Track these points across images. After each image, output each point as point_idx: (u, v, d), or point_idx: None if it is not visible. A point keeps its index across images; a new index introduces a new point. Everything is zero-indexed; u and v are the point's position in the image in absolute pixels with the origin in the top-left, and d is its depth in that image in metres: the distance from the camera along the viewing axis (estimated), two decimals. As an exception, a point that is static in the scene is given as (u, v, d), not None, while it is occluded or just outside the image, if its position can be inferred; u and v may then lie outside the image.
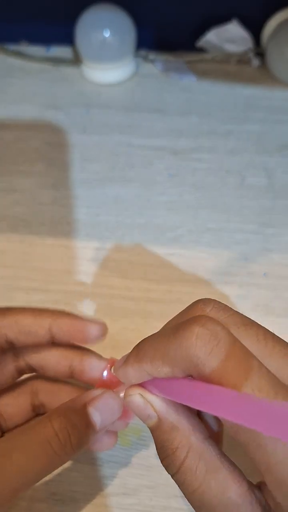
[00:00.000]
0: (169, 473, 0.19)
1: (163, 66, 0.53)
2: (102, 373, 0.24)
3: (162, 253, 0.38)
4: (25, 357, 0.25)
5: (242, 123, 0.47)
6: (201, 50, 0.55)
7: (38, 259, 0.37)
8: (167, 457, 0.19)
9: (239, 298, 0.35)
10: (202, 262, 0.37)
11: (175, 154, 0.45)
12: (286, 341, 0.20)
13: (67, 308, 0.25)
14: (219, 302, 0.20)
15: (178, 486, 0.19)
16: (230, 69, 0.53)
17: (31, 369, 0.25)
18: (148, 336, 0.20)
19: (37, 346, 0.25)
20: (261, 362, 0.17)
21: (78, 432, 0.21)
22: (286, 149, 0.45)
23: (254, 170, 0.43)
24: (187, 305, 0.21)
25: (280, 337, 0.20)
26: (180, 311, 0.21)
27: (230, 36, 0.53)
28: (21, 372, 0.26)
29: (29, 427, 0.20)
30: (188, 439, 0.18)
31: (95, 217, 0.40)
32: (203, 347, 0.17)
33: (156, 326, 0.22)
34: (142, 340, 0.20)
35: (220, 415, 0.16)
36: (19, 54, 0.55)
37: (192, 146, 0.45)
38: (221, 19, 0.53)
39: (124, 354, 0.21)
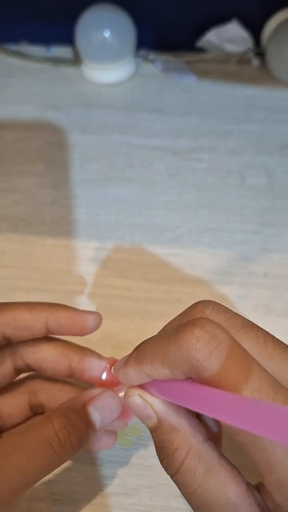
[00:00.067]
0: (168, 473, 0.19)
1: (163, 66, 0.53)
2: (102, 373, 0.24)
3: (162, 253, 0.38)
4: (23, 356, 0.25)
5: (242, 123, 0.47)
6: (201, 50, 0.55)
7: (38, 259, 0.37)
8: (166, 458, 0.19)
9: (239, 298, 0.35)
10: (202, 262, 0.37)
11: (175, 154, 0.45)
12: (287, 341, 0.20)
13: (67, 308, 0.25)
14: (219, 304, 0.20)
15: (177, 486, 0.19)
16: (230, 69, 0.53)
17: (29, 368, 0.25)
18: (148, 338, 0.20)
19: (36, 345, 0.25)
20: (260, 364, 0.17)
21: (78, 431, 0.21)
22: (286, 149, 0.45)
23: (254, 170, 0.43)
24: (187, 305, 0.21)
25: (281, 337, 0.20)
26: (180, 312, 0.21)
27: (230, 36, 0.53)
28: (19, 371, 0.26)
29: (30, 427, 0.20)
30: (188, 440, 0.19)
31: (95, 217, 0.40)
32: (202, 350, 0.17)
33: (156, 326, 0.22)
34: (142, 342, 0.20)
35: (219, 418, 0.16)
36: (19, 54, 0.55)
37: (192, 146, 0.45)
38: (221, 19, 0.53)
39: (124, 355, 0.21)
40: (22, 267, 0.37)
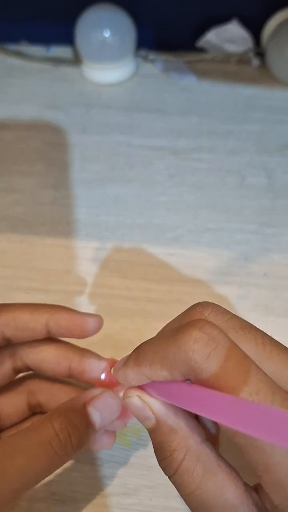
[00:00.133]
0: (166, 474, 0.19)
1: (163, 66, 0.53)
2: (102, 374, 0.24)
3: (162, 253, 0.38)
4: (23, 357, 0.25)
5: (242, 123, 0.47)
6: (201, 50, 0.55)
7: (38, 259, 0.37)
8: (164, 459, 0.19)
9: (239, 298, 0.35)
10: (202, 262, 0.37)
11: (175, 154, 0.45)
12: (287, 341, 0.20)
13: (67, 308, 0.25)
14: (218, 306, 0.20)
15: (176, 487, 0.19)
16: (230, 69, 0.53)
17: (28, 368, 0.25)
18: (148, 340, 0.20)
19: (36, 346, 0.25)
20: (258, 366, 0.17)
21: (79, 432, 0.21)
22: (286, 149, 0.45)
23: (254, 170, 0.43)
24: (187, 305, 0.21)
25: (281, 337, 0.20)
26: (180, 312, 0.21)
27: (230, 36, 0.53)
28: (18, 371, 0.26)
29: (30, 428, 0.20)
30: (186, 442, 0.19)
31: (95, 217, 0.40)
32: (200, 351, 0.17)
33: (156, 326, 0.22)
34: (141, 344, 0.20)
35: (217, 420, 0.16)
36: (19, 54, 0.55)
37: (192, 146, 0.45)
38: (221, 19, 0.53)
39: (124, 355, 0.21)
40: (22, 267, 0.37)
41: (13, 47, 0.56)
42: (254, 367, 0.17)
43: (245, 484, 0.18)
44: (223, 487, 0.18)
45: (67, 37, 0.54)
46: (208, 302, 0.20)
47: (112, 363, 0.24)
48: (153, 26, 0.54)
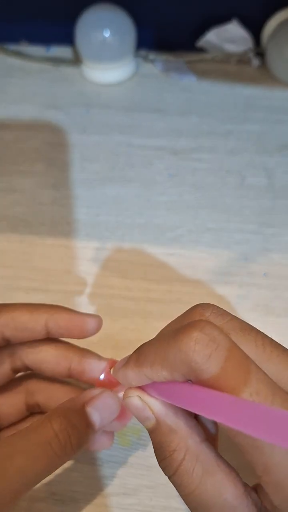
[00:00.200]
0: (166, 474, 0.19)
1: (163, 66, 0.53)
2: (102, 374, 0.24)
3: (162, 253, 0.38)
4: (22, 357, 0.25)
5: (242, 123, 0.47)
6: (201, 50, 0.55)
7: (38, 259, 0.37)
8: (164, 459, 0.19)
9: (239, 298, 0.35)
10: (202, 262, 0.37)
11: (175, 154, 0.45)
12: (287, 341, 0.20)
13: (67, 308, 0.25)
14: (218, 307, 0.20)
15: (175, 487, 0.19)
16: (230, 69, 0.53)
17: (27, 368, 0.25)
18: (149, 341, 0.20)
19: (35, 346, 0.25)
20: (259, 367, 0.17)
21: (78, 432, 0.21)
22: (286, 149, 0.45)
23: (254, 170, 0.43)
24: (187, 305, 0.21)
25: (281, 337, 0.20)
26: (180, 312, 0.21)
27: (230, 36, 0.53)
28: (17, 371, 0.26)
29: (29, 428, 0.20)
30: (186, 442, 0.19)
31: (95, 217, 0.40)
32: (201, 352, 0.17)
33: (156, 326, 0.22)
34: (142, 345, 0.20)
35: (218, 420, 0.16)
36: (19, 54, 0.55)
37: (192, 146, 0.45)
38: (221, 19, 0.53)
39: (124, 355, 0.21)
40: (22, 267, 0.37)
41: (13, 47, 0.56)
42: (254, 368, 0.17)
43: (245, 484, 0.18)
44: (222, 487, 0.18)
45: (67, 37, 0.54)
46: (208, 304, 0.20)
47: (112, 363, 0.24)
48: (153, 26, 0.54)
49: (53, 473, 0.21)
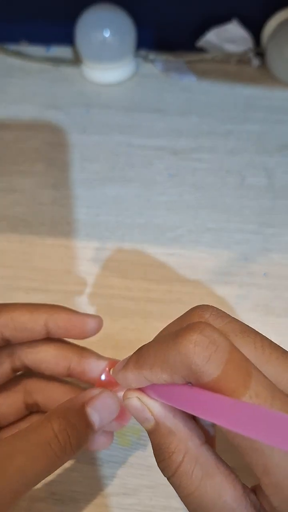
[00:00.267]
0: (165, 475, 0.19)
1: (163, 66, 0.53)
2: (101, 374, 0.24)
3: (162, 253, 0.38)
4: (21, 357, 0.25)
5: (242, 123, 0.47)
6: (201, 50, 0.55)
7: (38, 259, 0.37)
8: (163, 461, 0.19)
9: (239, 298, 0.35)
10: (202, 262, 0.37)
11: (175, 154, 0.45)
12: (287, 341, 0.20)
13: (67, 308, 0.25)
14: (217, 309, 0.20)
15: (174, 489, 0.19)
16: (230, 69, 0.53)
17: (27, 368, 0.25)
18: (148, 343, 0.20)
19: (35, 346, 0.25)
20: (258, 369, 0.17)
21: (77, 432, 0.21)
22: (286, 149, 0.45)
23: (254, 170, 0.43)
24: (187, 305, 0.21)
25: (281, 337, 0.20)
26: (179, 313, 0.21)
27: (230, 36, 0.53)
28: (16, 371, 0.26)
29: (29, 428, 0.20)
30: (185, 444, 0.19)
31: (95, 217, 0.40)
32: (201, 354, 0.17)
33: (156, 326, 0.22)
34: (141, 346, 0.20)
35: (218, 422, 0.16)
36: (19, 54, 0.55)
37: (192, 146, 0.45)
38: (221, 19, 0.53)
39: (124, 355, 0.21)
40: (22, 267, 0.37)
41: (13, 47, 0.56)
42: (254, 370, 0.17)
43: (244, 486, 0.18)
44: (221, 489, 0.18)
45: (67, 37, 0.54)
46: (207, 305, 0.20)
47: (112, 364, 0.24)
48: (153, 26, 0.54)
49: (53, 473, 0.21)
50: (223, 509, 0.18)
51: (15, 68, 0.54)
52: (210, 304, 0.20)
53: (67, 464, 0.27)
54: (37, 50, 0.56)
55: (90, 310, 0.34)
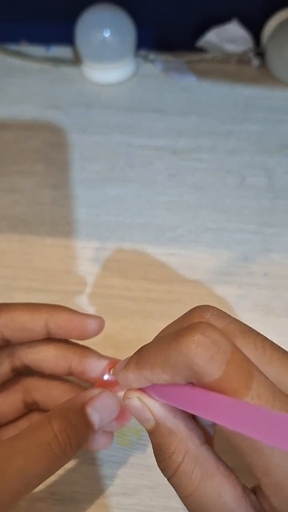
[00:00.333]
0: (165, 476, 0.19)
1: (163, 66, 0.53)
2: (102, 374, 0.24)
3: (162, 253, 0.38)
4: (21, 357, 0.25)
5: (242, 123, 0.47)
6: (201, 50, 0.55)
7: (38, 259, 0.37)
8: (163, 461, 0.19)
9: (239, 298, 0.35)
10: (202, 262, 0.37)
11: (175, 154, 0.45)
12: (287, 342, 0.20)
13: (67, 308, 0.25)
14: (218, 309, 0.20)
15: (174, 489, 0.19)
16: (230, 69, 0.53)
17: (27, 368, 0.25)
18: (149, 343, 0.20)
19: (35, 346, 0.25)
20: (260, 370, 0.17)
21: (77, 433, 0.21)
22: (286, 149, 0.45)
23: (254, 170, 0.43)
24: (187, 305, 0.21)
25: (281, 338, 0.20)
26: (179, 313, 0.21)
27: (230, 36, 0.53)
28: (16, 370, 0.25)
29: (29, 429, 0.20)
30: (185, 444, 0.19)
31: (95, 217, 0.40)
32: (203, 355, 0.17)
33: (156, 326, 0.22)
34: (142, 347, 0.20)
35: (219, 422, 0.16)
36: (19, 54, 0.55)
37: (192, 146, 0.45)
38: (221, 19, 0.53)
39: (124, 355, 0.21)
40: (22, 267, 0.37)
41: (13, 47, 0.56)
42: (256, 371, 0.17)
43: (244, 487, 0.18)
44: (221, 489, 0.18)
45: (67, 37, 0.54)
46: (208, 306, 0.20)
47: (113, 363, 0.24)
48: (153, 26, 0.54)
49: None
50: (222, 509, 0.18)
51: (15, 68, 0.54)
52: (210, 304, 0.20)
53: (68, 464, 0.27)
54: (37, 50, 0.56)
55: (90, 310, 0.34)
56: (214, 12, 0.53)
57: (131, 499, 0.27)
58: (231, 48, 0.54)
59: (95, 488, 0.27)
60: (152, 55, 0.54)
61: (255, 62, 0.53)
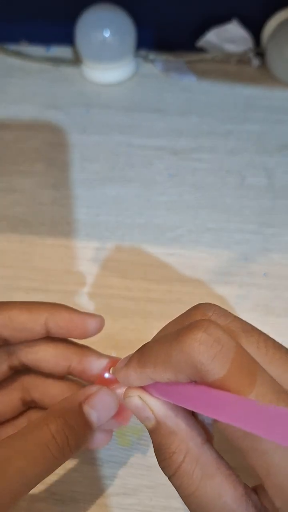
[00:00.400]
0: (166, 475, 0.19)
1: (163, 66, 0.53)
2: (102, 373, 0.24)
3: (162, 253, 0.38)
4: (20, 356, 0.25)
5: (242, 123, 0.47)
6: (201, 50, 0.55)
7: (38, 259, 0.37)
8: (164, 460, 0.19)
9: (239, 298, 0.35)
10: (202, 262, 0.37)
11: (175, 154, 0.45)
12: (287, 341, 0.20)
13: (67, 308, 0.25)
14: (220, 308, 0.20)
15: (175, 488, 0.19)
16: (230, 69, 0.53)
17: (26, 367, 0.25)
18: (151, 341, 0.20)
19: (34, 345, 0.25)
20: (263, 368, 0.17)
21: (76, 432, 0.21)
22: (286, 149, 0.45)
23: (254, 170, 0.43)
24: (187, 305, 0.21)
25: (281, 338, 0.20)
26: (179, 313, 0.21)
27: (230, 36, 0.53)
28: (14, 369, 0.25)
29: (27, 429, 0.20)
30: (186, 444, 0.18)
31: (95, 217, 0.40)
32: (206, 353, 0.17)
33: (156, 326, 0.22)
34: (144, 345, 0.20)
35: (223, 420, 0.16)
36: (19, 54, 0.55)
37: (192, 146, 0.45)
38: (221, 19, 0.53)
39: (124, 355, 0.21)
40: (22, 267, 0.37)
41: (13, 47, 0.56)
42: (259, 369, 0.17)
43: (245, 486, 0.18)
44: (221, 489, 0.18)
45: (67, 37, 0.54)
46: (210, 303, 0.20)
47: (113, 362, 0.24)
48: (153, 26, 0.54)
49: (53, 473, 0.20)
50: (223, 509, 0.18)
51: (15, 68, 0.54)
52: (211, 304, 0.20)
53: (67, 464, 0.27)
54: (37, 50, 0.56)
55: (90, 310, 0.34)
56: (214, 12, 0.53)
57: (131, 499, 0.26)
58: (231, 48, 0.54)
59: (95, 488, 0.27)
60: (152, 55, 0.54)
61: (255, 62, 0.53)
